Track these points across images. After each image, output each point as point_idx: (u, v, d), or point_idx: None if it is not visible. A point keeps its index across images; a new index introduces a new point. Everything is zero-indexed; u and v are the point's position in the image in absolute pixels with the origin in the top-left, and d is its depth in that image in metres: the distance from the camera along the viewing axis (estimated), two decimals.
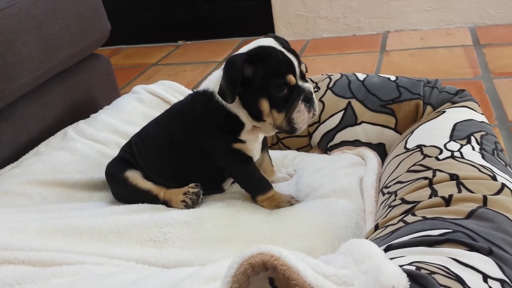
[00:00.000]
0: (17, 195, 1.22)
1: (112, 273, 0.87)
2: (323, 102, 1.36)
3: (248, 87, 1.02)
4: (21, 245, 0.96)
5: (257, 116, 1.07)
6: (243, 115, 1.09)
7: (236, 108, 1.07)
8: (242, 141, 1.12)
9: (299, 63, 1.05)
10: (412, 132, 1.17)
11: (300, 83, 1.05)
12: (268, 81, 1.02)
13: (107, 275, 0.86)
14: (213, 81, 1.11)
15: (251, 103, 1.06)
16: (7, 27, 1.32)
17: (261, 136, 1.17)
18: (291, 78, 1.02)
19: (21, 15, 1.37)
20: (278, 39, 1.08)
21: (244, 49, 1.07)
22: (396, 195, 0.96)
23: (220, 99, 1.07)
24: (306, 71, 1.08)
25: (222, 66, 1.09)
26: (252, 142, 1.14)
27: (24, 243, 0.97)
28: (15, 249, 0.95)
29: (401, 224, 0.81)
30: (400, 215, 0.86)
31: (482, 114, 1.17)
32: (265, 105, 1.04)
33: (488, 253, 0.67)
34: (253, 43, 1.08)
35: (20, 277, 0.86)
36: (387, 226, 0.84)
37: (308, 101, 1.04)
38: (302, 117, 1.04)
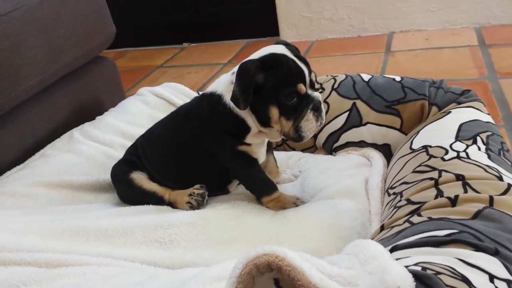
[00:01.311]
0: (23, 197, 1.23)
1: (118, 274, 0.88)
2: (328, 103, 1.36)
3: (258, 94, 1.02)
4: (26, 247, 0.96)
5: (265, 122, 1.07)
6: (250, 120, 1.09)
7: (244, 112, 1.07)
8: (248, 144, 1.12)
9: (309, 71, 1.05)
10: (418, 132, 1.16)
11: (310, 92, 1.05)
12: (278, 89, 1.02)
13: (112, 276, 0.86)
14: (221, 84, 1.11)
15: (260, 109, 1.06)
16: (12, 30, 1.33)
17: (266, 140, 1.17)
18: (301, 87, 1.03)
19: (26, 18, 1.38)
20: (289, 46, 1.08)
21: (256, 55, 1.06)
22: (401, 196, 0.96)
23: (228, 101, 1.08)
24: (316, 80, 1.08)
25: (232, 70, 1.09)
26: (257, 145, 1.14)
27: (30, 244, 0.97)
28: (20, 251, 0.95)
29: (406, 224, 0.81)
30: (406, 215, 0.85)
31: (488, 114, 1.17)
32: (274, 112, 1.04)
33: (494, 253, 0.67)
34: (264, 49, 1.08)
35: (26, 278, 0.86)
36: (392, 227, 0.84)
37: (317, 110, 1.05)
38: (310, 125, 1.05)
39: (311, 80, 1.05)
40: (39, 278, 0.86)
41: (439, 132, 1.11)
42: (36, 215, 1.13)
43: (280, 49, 1.06)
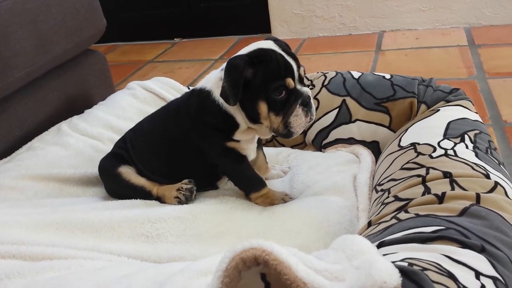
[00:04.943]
0: (10, 190, 1.22)
1: (103, 267, 0.87)
2: (318, 100, 1.36)
3: (247, 89, 1.02)
4: (12, 239, 0.95)
5: (254, 118, 1.07)
6: (239, 116, 1.08)
7: (233, 109, 1.07)
8: (236, 140, 1.11)
9: (298, 66, 1.05)
10: (406, 130, 1.17)
11: (299, 87, 1.04)
12: (267, 83, 1.02)
13: (98, 269, 0.86)
14: (211, 80, 1.11)
15: (249, 105, 1.05)
16: (1, 21, 1.31)
17: (256, 137, 1.17)
18: (290, 81, 1.02)
19: (15, 9, 1.36)
20: (278, 42, 1.08)
21: (244, 51, 1.06)
22: (389, 193, 0.96)
23: (216, 98, 1.07)
24: (305, 75, 1.08)
25: (221, 66, 1.08)
26: (246, 142, 1.13)
27: (15, 237, 0.96)
28: (5, 243, 0.94)
29: (394, 221, 0.81)
30: (393, 212, 0.86)
31: (476, 112, 1.17)
32: (263, 107, 1.04)
33: (481, 250, 0.67)
34: (253, 45, 1.07)
35: (10, 271, 0.85)
36: (380, 223, 0.84)
37: (306, 105, 1.04)
38: (299, 121, 1.04)
39: (299, 75, 1.05)
40: (23, 270, 0.85)
41: (428, 129, 1.11)
42: (22, 208, 1.12)
43: (268, 44, 1.06)
